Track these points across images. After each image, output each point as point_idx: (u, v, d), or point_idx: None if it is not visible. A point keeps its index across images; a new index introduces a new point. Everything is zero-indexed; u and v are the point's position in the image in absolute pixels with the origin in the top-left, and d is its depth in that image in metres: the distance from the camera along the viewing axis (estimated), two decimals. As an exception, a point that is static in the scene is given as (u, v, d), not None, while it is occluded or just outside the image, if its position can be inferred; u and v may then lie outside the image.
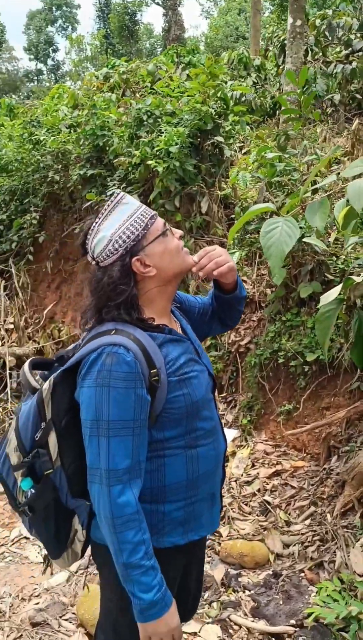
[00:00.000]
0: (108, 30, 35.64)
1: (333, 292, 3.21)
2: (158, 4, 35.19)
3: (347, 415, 3.87)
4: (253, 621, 3.02)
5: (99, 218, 1.69)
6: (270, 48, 10.40)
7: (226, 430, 4.59)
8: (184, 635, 2.91)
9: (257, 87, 10.13)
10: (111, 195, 1.76)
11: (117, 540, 1.54)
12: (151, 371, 1.63)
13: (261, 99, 8.92)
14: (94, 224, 1.70)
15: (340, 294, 3.22)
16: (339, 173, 3.58)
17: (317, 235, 3.79)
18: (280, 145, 4.66)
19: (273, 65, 10.35)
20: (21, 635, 2.95)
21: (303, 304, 4.53)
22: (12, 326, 6.44)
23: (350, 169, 3.62)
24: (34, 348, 6.35)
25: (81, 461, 1.66)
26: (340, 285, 3.19)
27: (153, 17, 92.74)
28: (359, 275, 3.47)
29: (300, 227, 3.93)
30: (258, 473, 4.22)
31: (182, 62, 11.99)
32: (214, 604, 3.14)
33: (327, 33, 8.87)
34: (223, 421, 4.87)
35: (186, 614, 2.07)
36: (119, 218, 1.68)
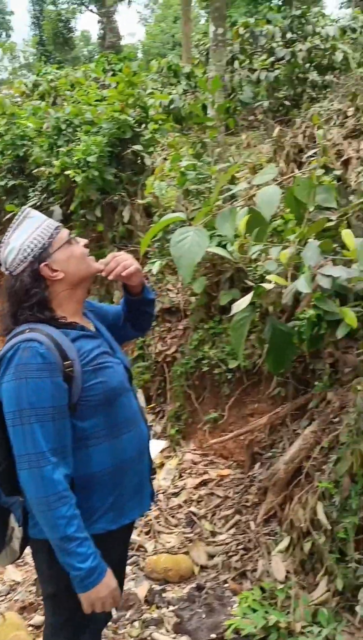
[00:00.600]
0: (43, 37, 35.16)
1: (245, 300, 3.21)
2: (91, 11, 35.03)
3: (269, 421, 3.89)
4: (174, 637, 2.97)
5: (9, 231, 1.86)
6: (197, 56, 10.49)
7: (154, 441, 4.54)
8: (105, 658, 2.84)
9: (188, 94, 10.18)
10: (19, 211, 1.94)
11: (52, 516, 1.66)
12: (65, 362, 1.75)
13: (190, 105, 8.95)
14: (4, 238, 1.87)
15: (252, 301, 3.23)
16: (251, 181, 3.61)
17: (231, 243, 3.80)
18: (196, 153, 4.67)
19: (201, 73, 10.44)
20: None
21: (224, 312, 4.53)
22: None
23: (260, 176, 3.65)
24: None
25: (10, 459, 1.76)
26: (251, 293, 3.20)
27: (90, 24, 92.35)
28: (270, 282, 3.49)
29: (219, 235, 3.95)
30: (185, 484, 4.19)
31: (113, 70, 11.94)
32: (136, 623, 3.07)
33: (251, 41, 9.01)
34: (152, 432, 4.83)
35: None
36: (27, 230, 1.85)
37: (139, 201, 5.16)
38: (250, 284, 4.30)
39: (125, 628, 3.05)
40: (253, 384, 4.25)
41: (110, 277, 2.00)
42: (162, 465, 4.46)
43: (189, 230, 3.16)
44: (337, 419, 3.34)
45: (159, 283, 4.99)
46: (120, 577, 2.13)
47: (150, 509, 2.17)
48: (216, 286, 4.52)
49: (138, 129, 5.23)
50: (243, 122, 9.16)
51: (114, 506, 1.89)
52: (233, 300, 4.25)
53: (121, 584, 2.17)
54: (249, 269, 4.33)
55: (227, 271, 4.34)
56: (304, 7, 9.08)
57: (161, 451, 4.60)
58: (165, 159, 6.00)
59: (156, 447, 4.64)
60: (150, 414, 4.97)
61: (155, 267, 4.43)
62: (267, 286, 3.19)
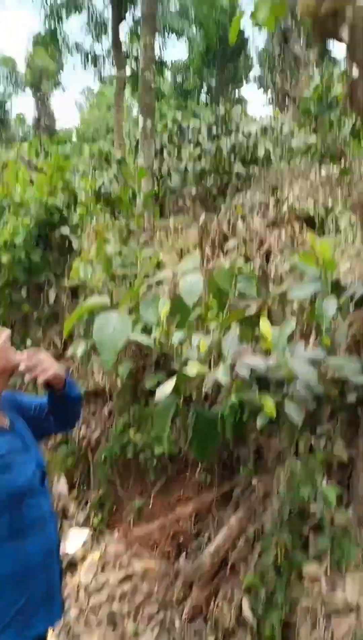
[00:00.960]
0: (-23, 118, 35.76)
1: (168, 385, 3.22)
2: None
3: (194, 509, 3.81)
4: None
5: None
6: (127, 144, 10.97)
7: (76, 530, 4.33)
8: None
9: (118, 179, 10.53)
10: None
11: None
12: None
13: (119, 192, 9.24)
14: None
15: (175, 387, 3.23)
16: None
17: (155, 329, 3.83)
18: (123, 238, 4.78)
19: (132, 160, 10.87)
20: None
21: (151, 395, 4.49)
22: None
23: (183, 264, 3.75)
24: None
25: None
26: (174, 378, 3.21)
27: (26, 107, 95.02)
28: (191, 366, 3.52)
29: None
30: (108, 579, 3.96)
31: (46, 152, 12.24)
32: None
33: (178, 133, 9.55)
34: (74, 521, 4.60)
35: None
36: None
37: (66, 283, 5.16)
38: (176, 368, 4.32)
39: None
40: (179, 470, 4.17)
41: (27, 378, 2.01)
42: (83, 558, 4.22)
43: (112, 316, 3.18)
44: (261, 507, 3.31)
45: (82, 367, 4.92)
46: None
47: (59, 619, 2.01)
48: (142, 369, 4.51)
49: (66, 213, 5.31)
50: (172, 207, 9.53)
51: (18, 617, 1.74)
52: (159, 384, 4.25)
53: None
54: (174, 355, 4.36)
55: (152, 355, 4.35)
56: (228, 105, 9.74)
57: (83, 543, 4.37)
58: (93, 242, 6.09)
59: (78, 537, 4.41)
60: (73, 502, 4.75)
61: (80, 350, 4.38)
62: (189, 373, 3.22)
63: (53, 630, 3.46)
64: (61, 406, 2.14)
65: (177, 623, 3.40)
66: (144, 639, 3.44)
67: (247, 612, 2.92)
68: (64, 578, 2.04)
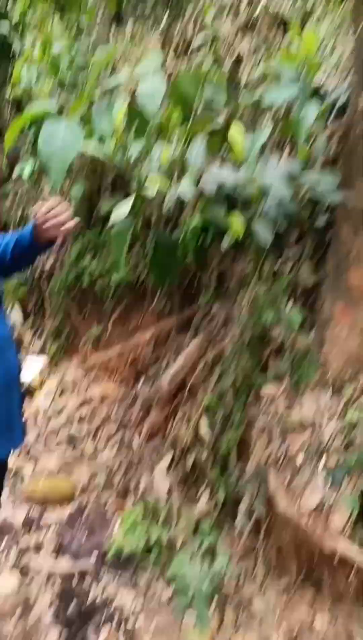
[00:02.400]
0: None
1: (124, 208, 2.93)
2: None
3: (153, 336, 3.74)
4: (55, 559, 2.85)
5: None
6: None
7: (33, 358, 4.27)
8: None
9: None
10: None
11: None
12: None
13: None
14: None
15: (133, 209, 2.94)
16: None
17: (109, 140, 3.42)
18: (71, 36, 4.12)
19: None
20: None
21: (107, 220, 4.19)
22: None
23: (144, 64, 3.23)
24: None
25: None
26: (130, 201, 2.91)
27: None
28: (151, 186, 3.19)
29: (95, 134, 3.52)
30: (66, 403, 3.99)
31: None
32: (13, 550, 2.92)
33: None
34: (30, 350, 4.53)
35: None
36: None
37: (8, 95, 4.54)
38: (134, 189, 3.98)
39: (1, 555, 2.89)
40: (137, 298, 4.03)
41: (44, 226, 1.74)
42: (41, 384, 4.22)
43: (60, 125, 2.76)
44: (221, 333, 3.24)
45: (31, 190, 4.51)
46: None
47: (21, 444, 1.93)
48: (98, 192, 4.15)
49: (3, 9, 4.50)
50: (131, 12, 8.38)
51: None
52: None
53: None
54: (132, 172, 3.99)
55: (108, 175, 3.97)
56: None
57: (40, 370, 4.34)
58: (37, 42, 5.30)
59: (34, 365, 4.37)
60: (29, 330, 4.65)
61: (26, 170, 3.96)
62: (149, 191, 2.92)
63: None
64: (36, 254, 1.95)
65: (135, 442, 3.48)
66: (104, 456, 3.54)
67: (204, 430, 2.97)
68: (23, 405, 1.89)
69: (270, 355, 2.99)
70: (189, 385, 3.27)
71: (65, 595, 2.61)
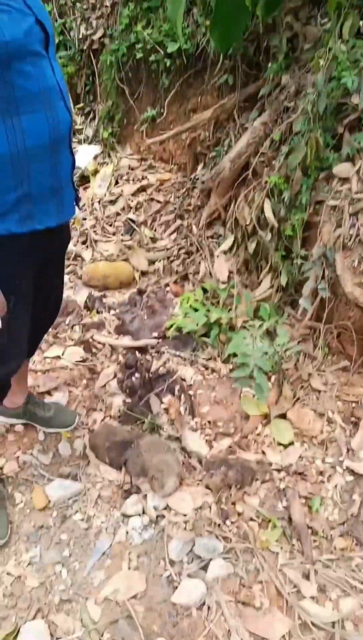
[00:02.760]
0: None
1: None
2: None
3: (214, 115, 3.40)
4: (116, 338, 2.95)
5: None
6: None
7: (84, 147, 4.05)
8: (47, 360, 2.83)
9: None
10: None
11: None
12: None
13: None
14: None
15: None
16: None
17: None
18: None
19: None
20: None
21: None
22: None
23: None
24: None
25: None
26: None
27: None
28: None
29: None
30: (122, 191, 3.85)
31: None
32: (77, 327, 3.03)
33: None
34: (82, 136, 4.29)
35: (48, 319, 2.10)
36: None
37: None
38: None
39: (65, 332, 3.01)
40: (196, 72, 3.61)
41: None
42: (96, 172, 4.05)
43: None
44: (291, 106, 2.89)
45: None
46: (46, 283, 1.90)
47: (73, 216, 1.80)
48: None
49: None
50: None
51: (19, 206, 1.54)
52: None
53: (48, 294, 1.98)
54: None
55: None
56: None
57: (95, 157, 4.14)
58: None
59: (87, 153, 4.17)
60: (79, 116, 4.36)
61: None
62: None
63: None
64: None
65: (194, 229, 3.37)
66: (162, 242, 3.48)
67: (269, 213, 2.80)
68: (74, 171, 1.72)
69: (345, 131, 2.68)
70: (253, 167, 3.04)
71: (128, 367, 2.72)
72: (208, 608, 1.80)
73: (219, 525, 2.06)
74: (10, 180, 1.49)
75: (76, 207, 1.81)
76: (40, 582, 1.89)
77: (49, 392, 2.62)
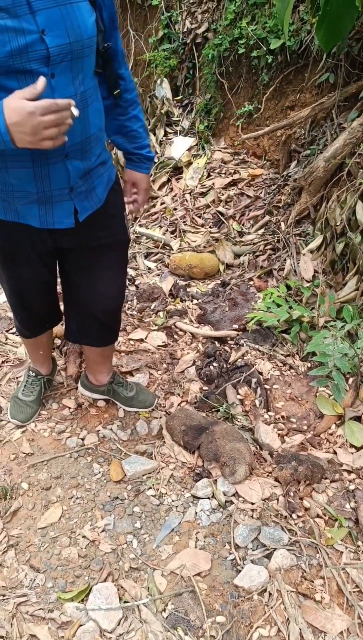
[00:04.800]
0: None
1: None
2: None
3: (311, 113, 3.41)
4: (198, 327, 3.04)
5: None
6: None
7: (180, 138, 4.15)
8: (131, 342, 2.95)
9: None
10: None
11: None
12: None
13: None
14: None
15: None
16: None
17: None
18: None
19: None
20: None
21: None
22: None
23: None
24: None
25: None
26: None
27: None
28: None
29: None
30: (213, 184, 3.91)
31: None
32: (161, 313, 3.14)
33: None
34: (178, 128, 4.39)
35: (96, 310, 2.09)
36: None
37: None
38: None
39: (150, 317, 3.13)
40: (297, 70, 3.62)
41: None
42: (189, 164, 4.14)
43: None
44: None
45: None
46: (74, 278, 2.02)
47: (67, 226, 1.75)
48: None
49: None
50: None
51: (2, 198, 1.67)
52: None
53: (85, 287, 2.02)
54: None
55: None
56: None
57: (189, 149, 4.23)
58: None
59: (182, 144, 4.26)
60: (177, 108, 4.45)
61: None
62: None
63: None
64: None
65: (282, 226, 3.39)
66: (249, 238, 3.52)
67: (360, 215, 2.79)
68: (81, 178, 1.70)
69: None
70: (348, 168, 3.02)
71: (207, 356, 2.80)
72: (269, 594, 1.86)
73: (285, 517, 2.11)
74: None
75: (74, 218, 1.75)
76: (112, 548, 2.01)
77: (131, 373, 2.74)
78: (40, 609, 1.84)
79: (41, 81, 1.28)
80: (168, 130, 4.45)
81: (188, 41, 4.17)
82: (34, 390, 2.50)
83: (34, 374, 2.51)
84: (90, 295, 2.03)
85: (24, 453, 2.35)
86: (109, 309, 2.13)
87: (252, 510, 2.13)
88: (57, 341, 2.86)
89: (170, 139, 4.34)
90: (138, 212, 2.08)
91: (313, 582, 1.91)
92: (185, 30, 4.14)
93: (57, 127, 1.30)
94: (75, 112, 1.32)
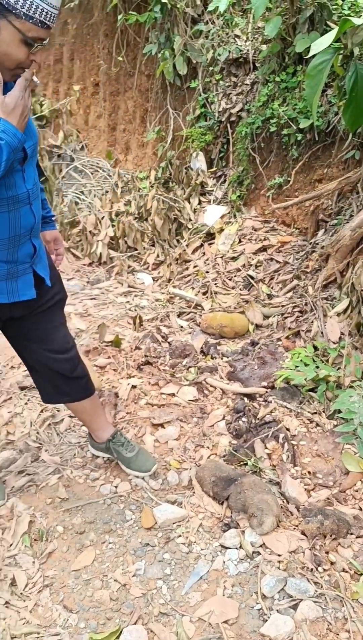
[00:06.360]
0: None
1: (327, 38, 2.76)
2: None
3: (338, 186, 3.63)
4: (227, 383, 3.17)
5: None
6: None
7: (213, 207, 4.41)
8: (163, 396, 3.09)
9: None
10: None
11: None
12: None
13: None
14: None
15: (335, 40, 2.76)
16: None
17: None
18: None
19: None
20: (10, 397, 3.15)
21: (300, 62, 3.98)
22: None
23: None
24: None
25: None
26: (335, 30, 2.72)
27: None
28: (360, 16, 2.95)
29: None
30: (244, 249, 4.13)
31: None
32: (192, 369, 3.28)
33: None
34: (211, 197, 4.67)
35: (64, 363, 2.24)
36: None
37: None
38: (334, 26, 3.68)
39: (181, 373, 3.27)
40: (324, 146, 3.89)
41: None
42: (221, 230, 4.38)
43: None
44: None
45: (225, 28, 4.37)
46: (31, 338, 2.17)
47: (30, 298, 2.00)
48: (293, 30, 3.91)
49: None
50: None
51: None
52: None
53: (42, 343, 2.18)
54: (334, 6, 3.67)
55: (307, 9, 3.70)
56: None
57: (221, 217, 4.49)
58: None
59: (215, 212, 4.52)
60: (211, 179, 4.75)
61: (222, 4, 3.81)
62: (357, 21, 2.70)
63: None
64: None
65: (310, 290, 3.56)
66: (278, 300, 3.69)
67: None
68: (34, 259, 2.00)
69: None
70: (372, 236, 3.21)
71: (236, 411, 2.92)
72: (295, 644, 1.90)
73: (311, 570, 2.16)
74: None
75: (34, 290, 2.00)
76: (143, 593, 2.08)
77: (162, 425, 2.87)
78: (73, 648, 1.91)
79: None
80: (202, 199, 4.74)
81: (223, 119, 4.51)
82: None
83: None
84: (47, 358, 2.19)
85: (59, 498, 2.46)
86: (71, 364, 2.25)
87: (279, 561, 2.18)
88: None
89: (203, 207, 4.61)
90: (61, 264, 2.36)
91: (338, 635, 1.95)
92: (221, 109, 4.49)
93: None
94: (36, 79, 1.68)
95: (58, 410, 2.96)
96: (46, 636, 1.94)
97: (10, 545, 2.25)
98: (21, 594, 2.08)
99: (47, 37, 1.61)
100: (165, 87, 4.99)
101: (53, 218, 2.30)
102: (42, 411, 2.96)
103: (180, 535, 2.30)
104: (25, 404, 3.03)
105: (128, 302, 4.03)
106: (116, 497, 2.46)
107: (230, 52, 4.39)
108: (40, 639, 1.93)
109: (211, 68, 4.58)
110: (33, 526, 2.33)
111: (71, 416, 2.93)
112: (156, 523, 2.34)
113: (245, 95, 4.41)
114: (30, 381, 3.19)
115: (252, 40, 4.36)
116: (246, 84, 4.39)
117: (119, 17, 4.96)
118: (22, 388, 3.19)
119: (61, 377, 2.25)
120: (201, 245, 4.42)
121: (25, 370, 3.32)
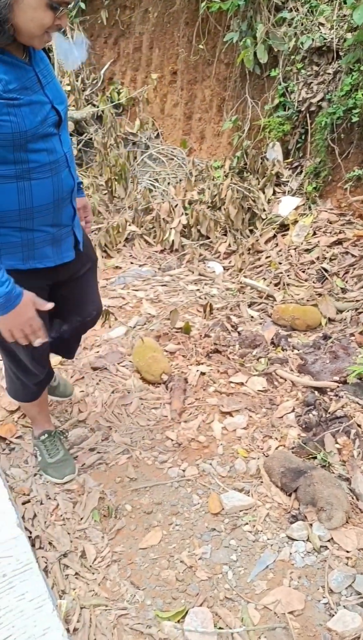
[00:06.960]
0: None
1: None
2: None
3: None
4: (298, 376, 3.13)
5: None
6: None
7: (288, 197, 4.35)
8: (232, 385, 3.08)
9: None
10: None
11: None
12: None
13: None
14: None
15: None
16: None
17: None
18: None
19: None
20: (83, 377, 3.22)
21: (388, 49, 3.85)
22: (68, 88, 6.01)
23: None
24: (92, 112, 5.99)
25: None
26: None
27: None
28: None
29: None
30: (318, 241, 4.06)
31: None
32: (262, 360, 3.26)
33: None
34: (286, 188, 4.60)
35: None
36: None
37: None
38: None
39: (251, 363, 3.25)
40: None
41: None
42: (295, 222, 4.31)
43: None
44: None
45: (309, 16, 4.27)
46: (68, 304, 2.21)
47: (71, 259, 2.04)
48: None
49: None
50: None
51: (23, 249, 1.87)
52: None
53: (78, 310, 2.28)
54: None
55: None
56: None
57: (296, 208, 4.42)
58: None
59: (290, 203, 4.46)
60: (287, 169, 4.68)
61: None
62: None
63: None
64: None
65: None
66: (352, 295, 3.60)
67: None
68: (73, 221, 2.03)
69: None
70: None
71: (307, 404, 2.88)
72: (363, 642, 1.87)
73: (381, 569, 2.11)
74: (17, 230, 1.81)
75: (74, 251, 2.05)
76: (208, 576, 2.09)
77: (230, 413, 2.86)
78: (139, 623, 1.94)
79: (49, 305, 1.84)
80: (277, 189, 4.68)
81: (302, 109, 4.43)
82: (58, 446, 2.57)
83: (46, 435, 2.57)
84: (82, 312, 2.31)
85: (128, 477, 2.51)
86: (98, 315, 2.43)
87: (347, 557, 2.15)
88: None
89: (278, 198, 4.55)
90: (90, 231, 2.40)
91: None
92: (300, 99, 4.40)
93: (25, 337, 1.82)
94: (36, 343, 1.84)
95: (128, 392, 3.01)
96: (114, 609, 1.99)
97: (81, 519, 2.31)
98: (90, 566, 2.13)
99: (72, 0, 1.60)
100: (244, 76, 4.94)
101: (80, 183, 2.30)
102: (113, 392, 3.02)
103: (247, 523, 2.30)
104: (97, 384, 3.10)
105: (198, 290, 4.03)
106: (184, 481, 2.49)
107: (313, 40, 4.29)
108: (108, 611, 1.98)
109: (292, 57, 4.50)
110: (102, 503, 2.38)
111: (141, 398, 2.97)
112: (222, 509, 2.35)
113: (326, 85, 4.31)
114: (102, 362, 3.27)
115: (337, 28, 4.25)
116: (329, 73, 4.28)
117: (202, 4, 4.93)
118: (95, 369, 3.25)
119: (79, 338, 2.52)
120: (275, 236, 4.37)
121: (97, 352, 3.39)
